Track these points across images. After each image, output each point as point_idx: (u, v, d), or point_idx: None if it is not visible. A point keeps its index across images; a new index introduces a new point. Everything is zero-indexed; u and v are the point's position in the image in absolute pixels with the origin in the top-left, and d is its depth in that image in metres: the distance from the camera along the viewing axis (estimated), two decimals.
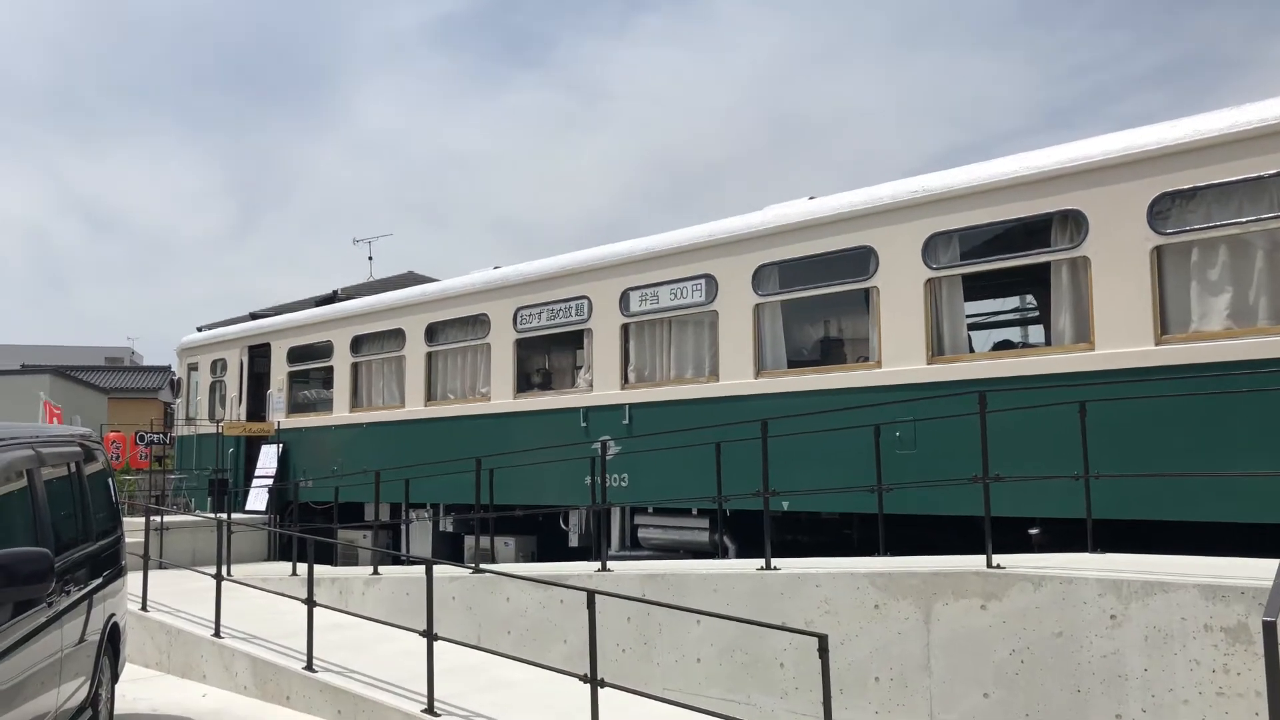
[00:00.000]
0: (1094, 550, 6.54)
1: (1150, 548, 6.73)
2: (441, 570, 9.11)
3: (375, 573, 10.18)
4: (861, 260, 8.48)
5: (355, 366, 13.48)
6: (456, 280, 12.32)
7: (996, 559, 6.20)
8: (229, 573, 9.35)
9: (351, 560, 12.83)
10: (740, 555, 9.06)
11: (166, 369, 39.01)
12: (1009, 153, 7.84)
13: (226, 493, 14.72)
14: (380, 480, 10.91)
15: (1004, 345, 8.86)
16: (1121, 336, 7.05)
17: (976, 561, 6.25)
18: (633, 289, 10.11)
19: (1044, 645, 5.75)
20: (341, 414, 13.57)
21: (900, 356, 8.17)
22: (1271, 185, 6.54)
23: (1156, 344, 6.91)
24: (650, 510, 9.86)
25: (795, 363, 9.16)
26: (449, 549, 12.16)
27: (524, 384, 11.48)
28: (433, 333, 12.35)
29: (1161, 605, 5.33)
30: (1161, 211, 6.95)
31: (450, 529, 12.09)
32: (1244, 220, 6.64)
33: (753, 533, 8.86)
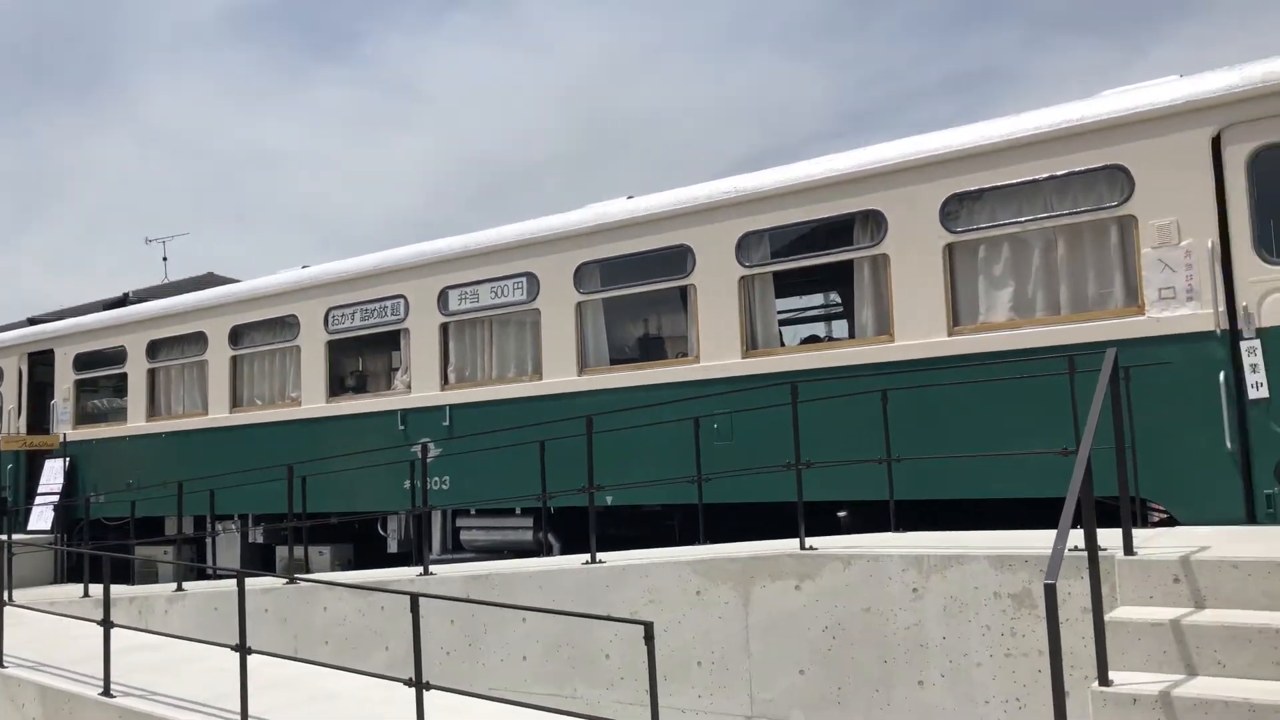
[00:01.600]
0: (897, 530, 6.95)
1: (950, 525, 7.22)
2: (253, 582, 8.71)
3: (179, 589, 9.61)
4: (679, 258, 8.68)
5: (152, 373, 12.68)
6: (263, 280, 11.79)
7: (809, 541, 6.49)
8: (10, 598, 8.60)
9: (152, 579, 12.05)
10: (564, 552, 9.10)
11: None
12: (813, 155, 8.23)
13: (6, 512, 13.52)
14: (183, 492, 10.30)
15: (813, 339, 9.28)
16: (918, 329, 7.52)
17: (791, 545, 6.53)
18: (452, 287, 9.97)
19: (854, 621, 6.07)
20: (138, 423, 12.73)
21: (717, 351, 8.42)
22: (1046, 187, 7.14)
23: (949, 335, 7.41)
24: (473, 512, 9.76)
25: (617, 359, 9.28)
26: (260, 561, 11.62)
27: (337, 387, 11.13)
28: (237, 335, 11.77)
29: (957, 577, 5.74)
30: (952, 211, 7.46)
31: (260, 540, 11.56)
32: (1023, 220, 7.22)
33: (577, 529, 8.92)
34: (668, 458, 8.37)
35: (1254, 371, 6.32)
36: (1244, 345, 6.36)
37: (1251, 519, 6.31)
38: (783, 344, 8.80)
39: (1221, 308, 6.43)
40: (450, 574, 7.95)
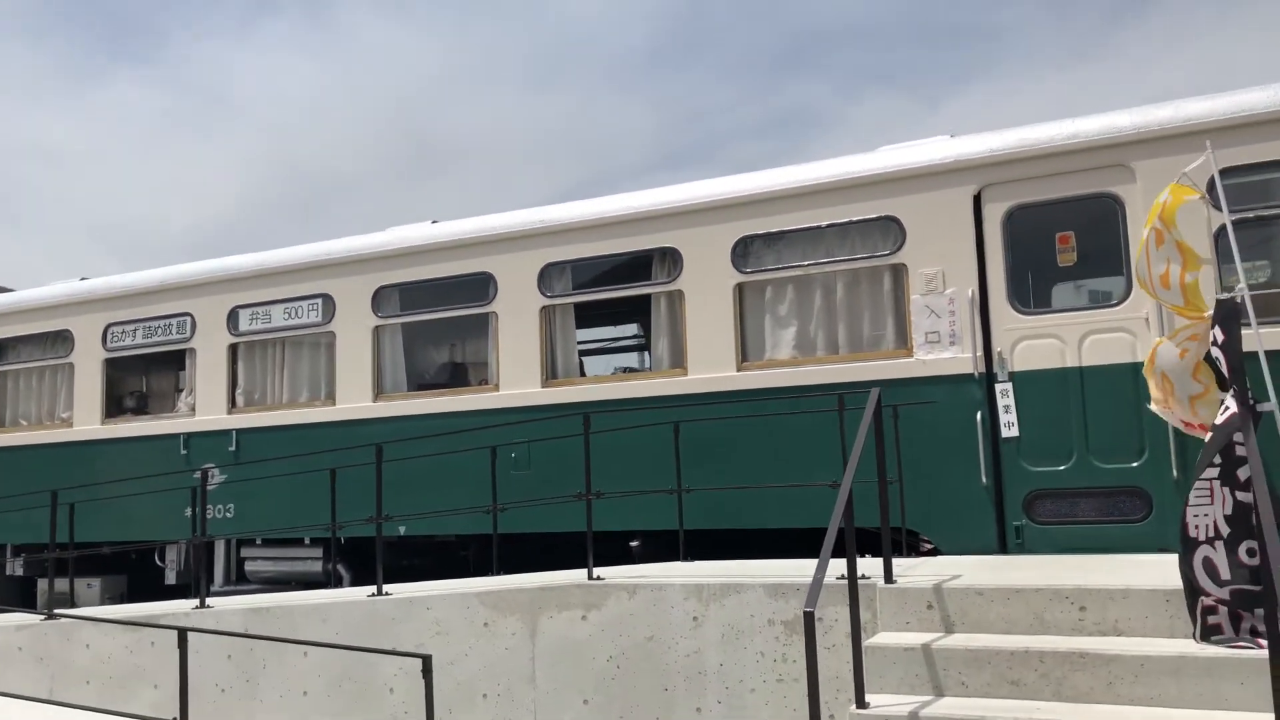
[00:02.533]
0: (685, 559, 7.15)
1: (743, 555, 7.45)
2: (6, 618, 8.03)
3: None
4: (482, 286, 8.66)
5: None
6: (33, 292, 10.96)
7: (598, 571, 6.58)
8: None
9: None
10: (356, 584, 8.85)
11: None
12: (634, 187, 8.44)
13: None
14: None
15: (616, 370, 9.44)
16: (710, 363, 7.78)
17: (579, 575, 6.59)
18: (242, 307, 9.57)
19: (637, 649, 6.18)
20: None
21: (517, 380, 8.43)
22: (828, 234, 7.56)
23: (738, 370, 7.71)
24: (259, 541, 9.35)
25: (416, 386, 9.14)
26: (19, 595, 10.72)
27: (115, 408, 10.44)
28: (0, 351, 10.88)
29: (735, 605, 5.95)
30: (743, 252, 7.78)
31: (20, 572, 10.66)
32: (806, 264, 7.61)
33: (369, 560, 8.69)
34: (465, 487, 8.29)
35: (1006, 412, 6.88)
36: (998, 387, 6.91)
37: (1003, 549, 6.85)
38: (583, 374, 8.91)
39: (980, 352, 6.97)
40: (228, 607, 7.57)
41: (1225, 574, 4.56)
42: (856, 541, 6.75)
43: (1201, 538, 4.61)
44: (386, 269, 9.01)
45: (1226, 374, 4.81)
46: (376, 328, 9.00)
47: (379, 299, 9.01)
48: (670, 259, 8.05)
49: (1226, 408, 4.72)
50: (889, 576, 5.52)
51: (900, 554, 6.86)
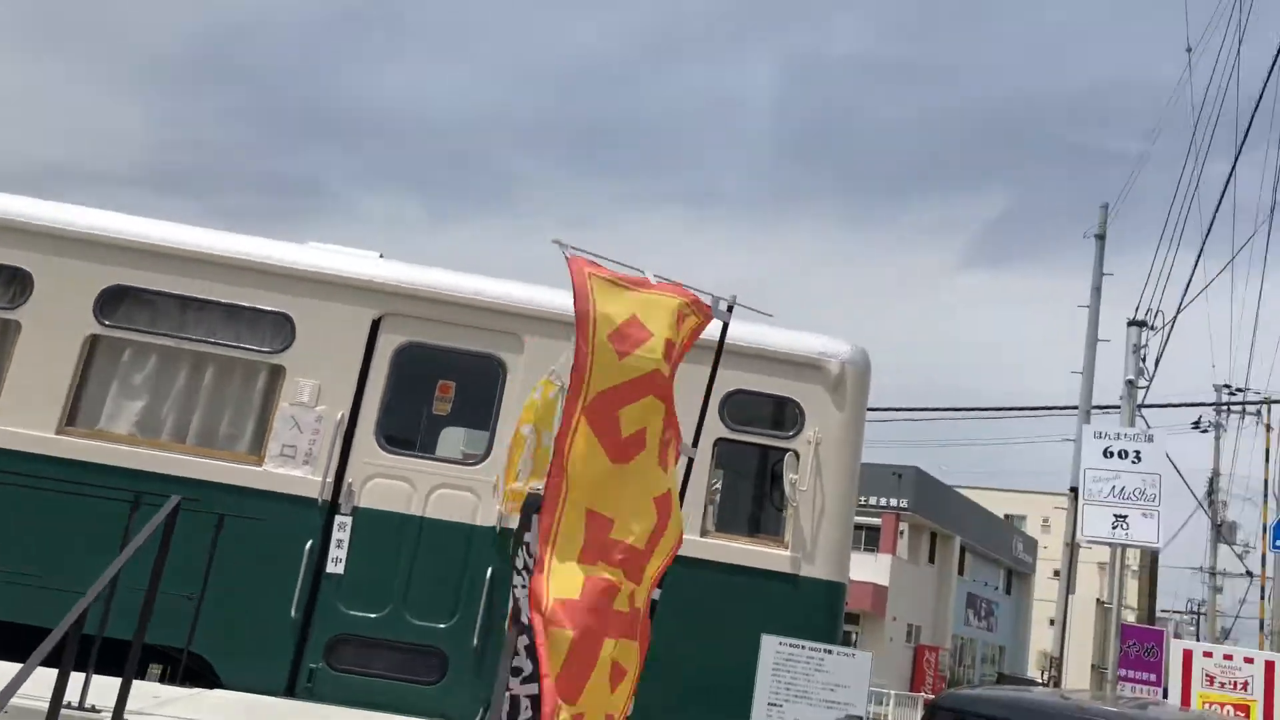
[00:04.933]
0: None
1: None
2: None
3: None
4: None
5: None
6: None
7: None
8: None
9: None
10: None
11: None
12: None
13: None
14: None
15: None
16: (24, 417, 6.49)
17: None
18: None
19: None
20: None
21: None
22: (215, 310, 6.76)
23: (57, 433, 6.52)
24: None
25: None
26: None
27: None
28: None
29: None
30: (109, 302, 6.72)
31: None
32: (183, 335, 6.71)
33: None
34: None
35: (339, 546, 6.50)
36: (338, 520, 6.52)
37: (292, 692, 6.30)
38: None
39: (330, 479, 6.57)
40: None
41: None
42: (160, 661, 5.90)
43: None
44: None
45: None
46: None
47: None
48: (19, 282, 6.73)
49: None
50: (119, 712, 4.69)
51: (177, 681, 6.02)
